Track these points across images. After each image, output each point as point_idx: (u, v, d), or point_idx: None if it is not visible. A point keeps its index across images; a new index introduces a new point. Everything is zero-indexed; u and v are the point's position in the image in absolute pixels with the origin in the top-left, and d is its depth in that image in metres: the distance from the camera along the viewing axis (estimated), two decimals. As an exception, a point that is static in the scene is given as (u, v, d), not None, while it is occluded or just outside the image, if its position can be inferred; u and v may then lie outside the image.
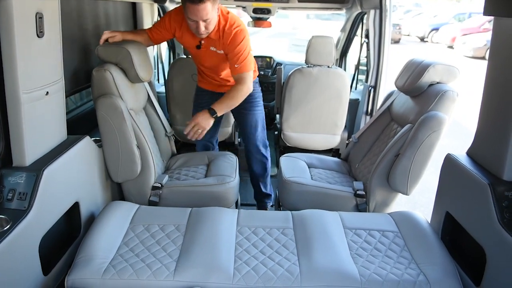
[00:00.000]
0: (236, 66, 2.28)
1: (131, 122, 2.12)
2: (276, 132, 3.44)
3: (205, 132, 2.23)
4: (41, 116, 1.65)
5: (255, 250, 1.67)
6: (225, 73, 2.51)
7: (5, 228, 1.38)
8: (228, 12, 2.35)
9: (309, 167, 2.59)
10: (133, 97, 2.26)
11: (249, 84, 2.32)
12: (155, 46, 3.49)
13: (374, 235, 1.80)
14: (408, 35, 18.43)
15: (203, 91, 2.73)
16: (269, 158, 2.80)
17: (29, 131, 1.57)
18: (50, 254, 1.69)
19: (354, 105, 3.43)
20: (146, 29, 2.48)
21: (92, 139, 2.07)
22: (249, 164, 2.81)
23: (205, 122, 2.22)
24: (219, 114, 2.25)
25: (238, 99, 2.30)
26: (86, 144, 1.93)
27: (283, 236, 1.76)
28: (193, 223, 1.82)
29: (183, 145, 3.41)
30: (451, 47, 15.26)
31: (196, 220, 1.83)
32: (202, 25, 2.15)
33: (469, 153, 1.78)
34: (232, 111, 2.59)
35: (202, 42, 2.34)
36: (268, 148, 2.80)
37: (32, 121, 1.59)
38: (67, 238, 1.86)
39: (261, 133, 2.71)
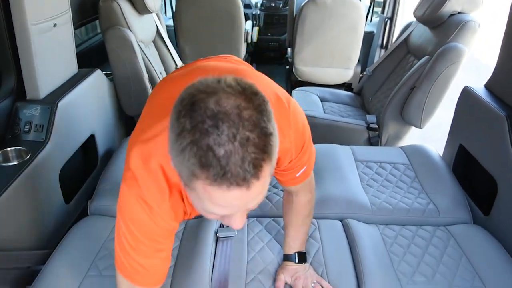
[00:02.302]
0: (297, 175, 1.12)
1: (141, 54, 2.08)
2: (287, 67, 3.37)
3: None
4: (51, 48, 1.62)
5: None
6: None
7: (26, 159, 1.42)
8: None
9: (321, 101, 2.56)
10: (142, 29, 2.20)
11: (313, 182, 1.25)
12: None
13: (385, 167, 1.82)
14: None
15: None
16: None
17: (41, 64, 1.56)
18: (69, 185, 1.75)
19: (368, 38, 3.31)
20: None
21: (104, 72, 2.05)
22: None
23: (304, 274, 1.26)
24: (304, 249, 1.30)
25: (312, 212, 1.29)
26: (97, 77, 1.92)
27: (295, 168, 1.78)
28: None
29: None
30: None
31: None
32: (239, 216, 0.77)
33: (487, 86, 1.73)
34: None
35: None
36: None
37: (43, 54, 1.56)
38: (85, 171, 1.92)
39: None
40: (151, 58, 2.17)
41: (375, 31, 3.32)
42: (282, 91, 1.00)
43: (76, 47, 1.84)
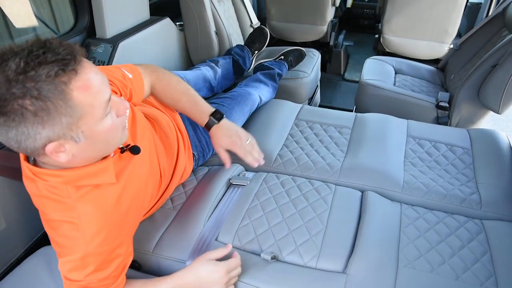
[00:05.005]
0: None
1: (212, 8, 2.15)
2: (376, 36, 3.16)
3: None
4: None
5: (304, 142, 1.67)
6: None
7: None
8: None
9: (396, 73, 2.38)
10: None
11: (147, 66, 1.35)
12: None
13: (440, 147, 1.65)
14: None
15: None
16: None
17: (110, 6, 1.71)
18: None
19: (474, 9, 2.93)
20: None
21: (178, 23, 2.18)
22: None
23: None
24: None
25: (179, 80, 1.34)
26: (165, 24, 2.04)
27: (338, 134, 1.72)
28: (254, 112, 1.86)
29: (279, 42, 3.37)
30: None
31: (258, 108, 1.87)
32: None
33: None
34: None
35: None
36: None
37: None
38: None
39: None
40: (221, 13, 2.22)
41: (483, 1, 2.92)
42: None
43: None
